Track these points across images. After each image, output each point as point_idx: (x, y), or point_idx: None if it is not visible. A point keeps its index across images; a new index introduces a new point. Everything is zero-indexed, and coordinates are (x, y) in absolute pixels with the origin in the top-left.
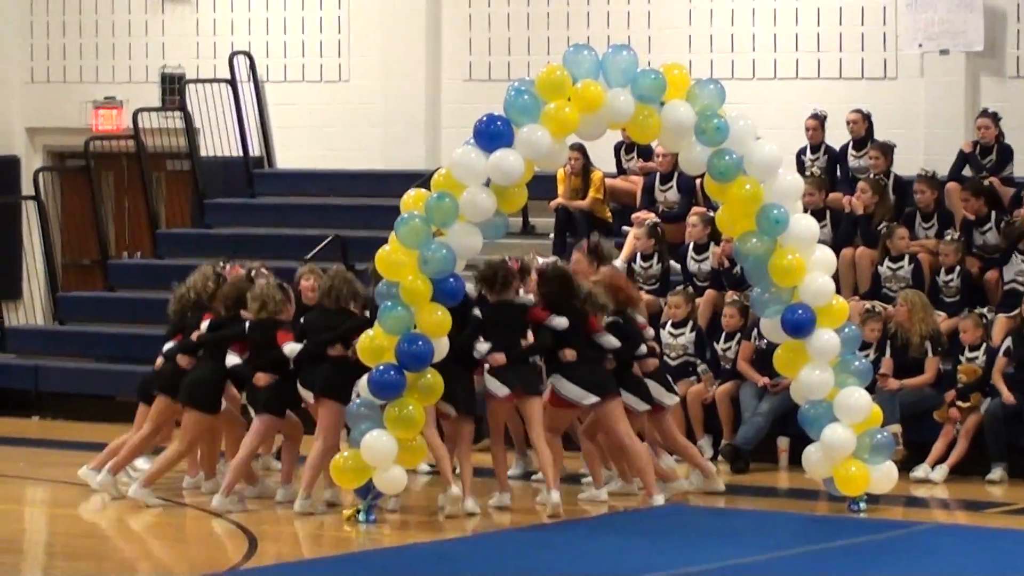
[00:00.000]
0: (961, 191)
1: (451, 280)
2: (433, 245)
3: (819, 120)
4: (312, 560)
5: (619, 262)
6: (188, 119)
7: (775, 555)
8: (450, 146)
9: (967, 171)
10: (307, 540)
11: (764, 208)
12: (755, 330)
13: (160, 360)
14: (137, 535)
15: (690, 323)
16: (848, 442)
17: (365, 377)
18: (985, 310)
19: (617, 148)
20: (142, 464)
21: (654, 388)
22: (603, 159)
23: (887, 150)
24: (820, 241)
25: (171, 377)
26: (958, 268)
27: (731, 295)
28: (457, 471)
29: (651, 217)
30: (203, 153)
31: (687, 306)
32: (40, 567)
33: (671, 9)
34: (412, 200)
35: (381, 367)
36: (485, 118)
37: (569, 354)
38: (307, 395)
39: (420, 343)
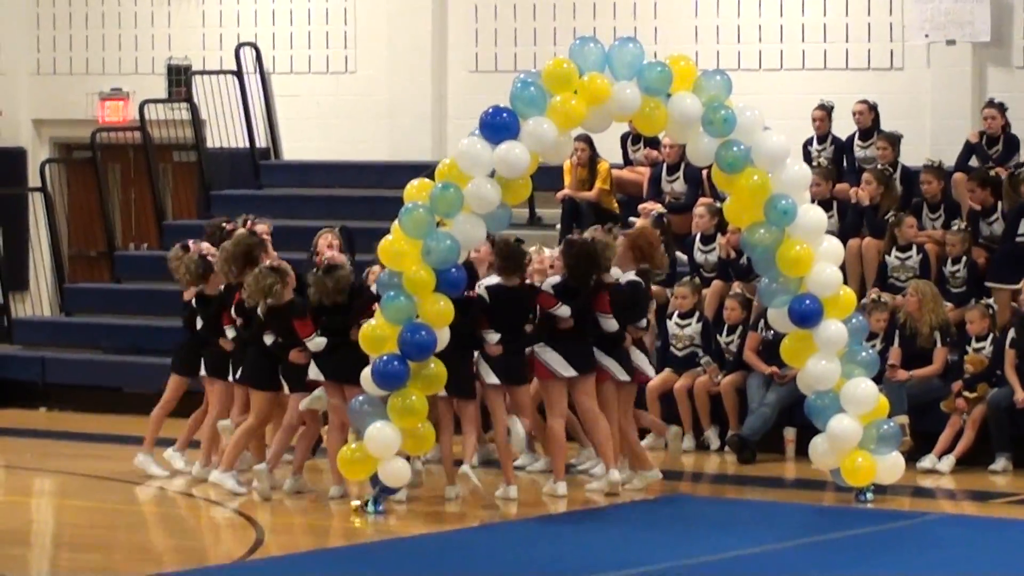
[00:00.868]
0: (968, 181)
1: (454, 270)
2: (437, 235)
3: (826, 111)
4: (320, 551)
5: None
6: (194, 111)
7: (782, 546)
8: (456, 137)
9: (973, 161)
10: (315, 531)
11: (772, 199)
12: (762, 320)
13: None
14: (145, 526)
15: (696, 314)
16: (855, 433)
17: (368, 368)
18: (992, 300)
19: (624, 139)
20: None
21: (637, 357)
22: (609, 150)
23: (894, 140)
24: (827, 232)
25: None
26: (964, 258)
27: (734, 287)
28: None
29: (657, 208)
30: (209, 144)
31: (693, 297)
32: (47, 558)
33: (677, 0)
34: (416, 190)
35: (384, 357)
36: (491, 110)
37: (565, 323)
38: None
39: (423, 333)
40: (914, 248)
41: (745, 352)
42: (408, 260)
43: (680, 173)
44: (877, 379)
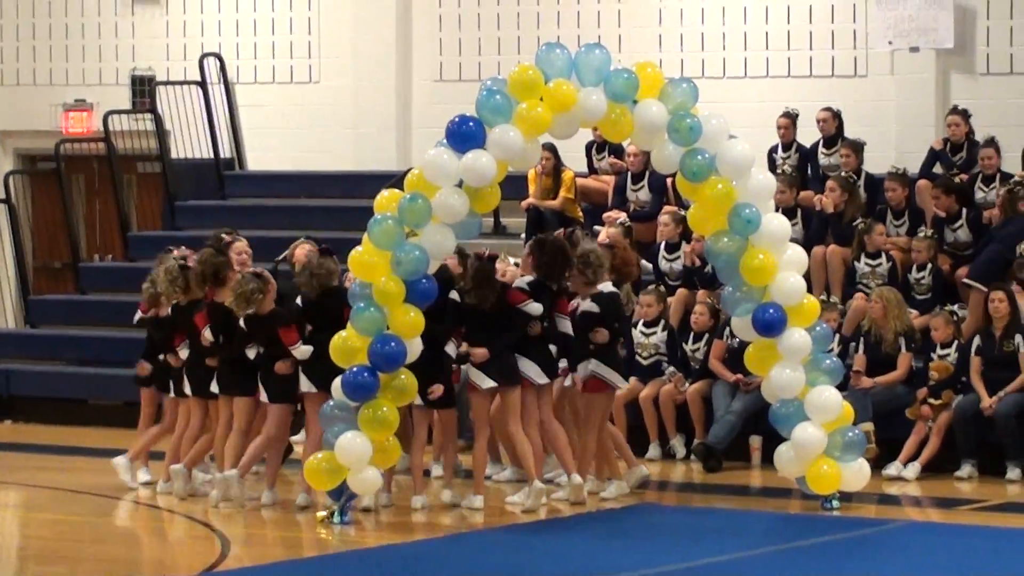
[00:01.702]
0: (932, 188)
1: (424, 281)
2: (406, 246)
3: (790, 118)
4: (286, 562)
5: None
6: (158, 121)
7: (748, 554)
8: (421, 146)
9: (938, 168)
10: (280, 542)
11: (736, 207)
12: (727, 329)
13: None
14: (110, 538)
15: (662, 322)
16: (819, 440)
17: (339, 379)
18: (956, 307)
19: (588, 147)
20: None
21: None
22: (574, 159)
23: (857, 148)
24: (791, 239)
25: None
26: (930, 265)
27: (702, 295)
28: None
29: (622, 216)
30: (174, 155)
31: (659, 305)
32: (13, 571)
33: (641, 8)
34: (385, 201)
35: (354, 368)
36: (457, 119)
37: (533, 327)
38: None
39: (393, 344)
40: (883, 255)
41: (711, 360)
42: (378, 272)
43: (645, 182)
44: (842, 386)
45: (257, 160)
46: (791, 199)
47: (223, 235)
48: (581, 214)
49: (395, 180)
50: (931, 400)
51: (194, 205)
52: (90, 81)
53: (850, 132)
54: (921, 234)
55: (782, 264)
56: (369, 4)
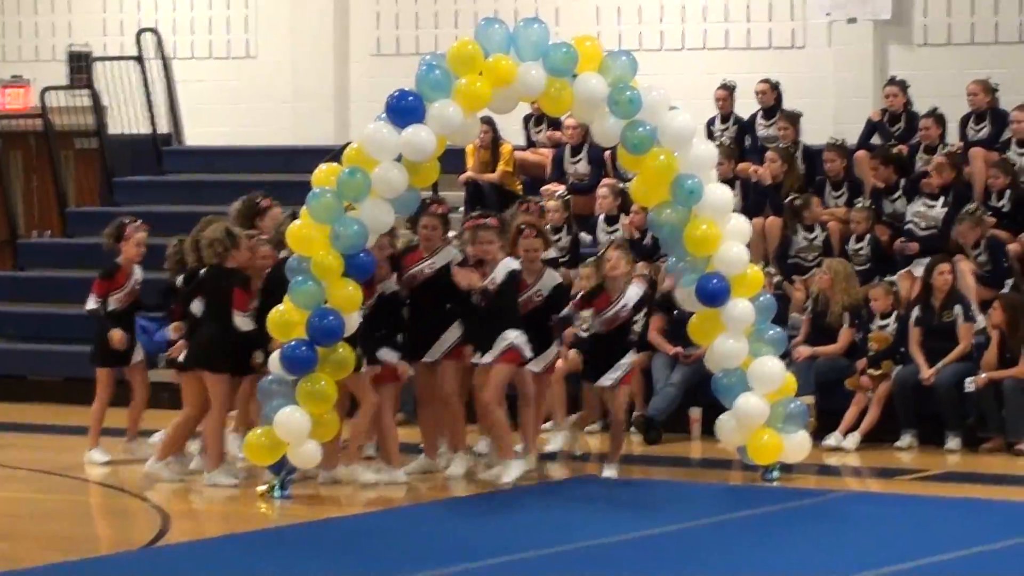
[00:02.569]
0: (870, 159)
1: (362, 255)
2: (345, 220)
3: (728, 90)
4: (225, 537)
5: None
6: (96, 97)
7: (689, 525)
8: (360, 121)
9: (876, 139)
10: (220, 517)
11: (678, 178)
12: (668, 301)
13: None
14: (50, 515)
15: None
16: (761, 411)
17: (276, 353)
18: (895, 278)
19: (526, 120)
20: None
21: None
22: (512, 132)
23: (795, 119)
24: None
25: None
26: (868, 236)
27: (641, 267)
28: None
29: (560, 189)
30: (111, 131)
31: (597, 278)
32: None
33: None
34: (324, 175)
35: (293, 342)
36: (397, 93)
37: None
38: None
39: (331, 318)
40: (818, 227)
41: (650, 333)
42: (316, 245)
43: (583, 154)
44: (784, 357)
45: (195, 135)
46: (729, 171)
47: (257, 199)
48: (520, 187)
49: (333, 154)
50: (871, 371)
51: (132, 181)
52: (27, 57)
53: (788, 103)
54: (859, 205)
55: (725, 234)
56: None
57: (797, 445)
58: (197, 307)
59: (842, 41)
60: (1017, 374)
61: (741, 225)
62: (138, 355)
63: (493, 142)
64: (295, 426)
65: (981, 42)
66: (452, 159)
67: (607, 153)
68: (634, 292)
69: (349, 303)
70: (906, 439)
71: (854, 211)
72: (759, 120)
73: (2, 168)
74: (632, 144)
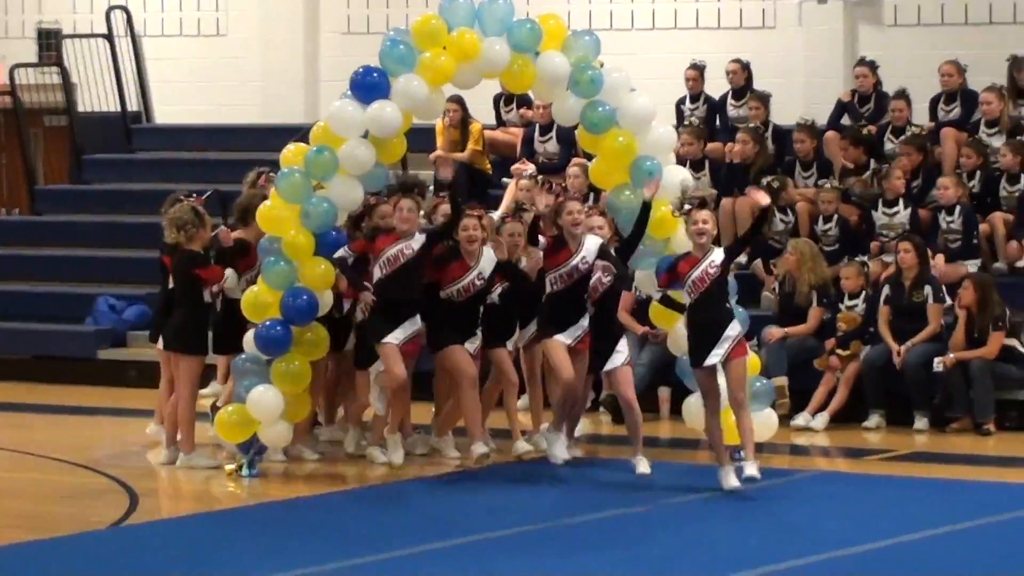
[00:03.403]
0: (840, 140)
1: (333, 233)
2: (314, 199)
3: (698, 70)
4: (193, 516)
5: (498, 214)
6: (65, 75)
7: (656, 505)
8: (329, 100)
9: (846, 120)
10: (189, 496)
11: (637, 160)
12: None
13: None
14: (15, 493)
15: None
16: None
17: (251, 333)
18: (866, 258)
19: (496, 100)
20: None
21: None
22: (482, 111)
23: (765, 99)
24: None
25: None
26: (836, 216)
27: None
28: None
29: (530, 168)
30: (81, 109)
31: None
32: None
33: None
34: (292, 155)
35: (267, 322)
36: (361, 70)
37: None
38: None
39: (304, 297)
40: (787, 209)
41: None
42: (287, 225)
43: (553, 133)
44: (752, 338)
45: (164, 113)
46: (699, 151)
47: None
48: (489, 166)
49: (302, 133)
50: (839, 351)
51: (101, 159)
52: None
53: (759, 84)
54: (828, 185)
55: None
56: None
57: (764, 424)
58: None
59: (812, 21)
60: (985, 355)
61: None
62: None
63: (462, 121)
64: (268, 405)
65: (951, 23)
66: (422, 138)
67: (577, 132)
68: (592, 244)
69: (321, 282)
70: (874, 419)
71: (823, 191)
72: (729, 100)
73: None
74: (591, 123)
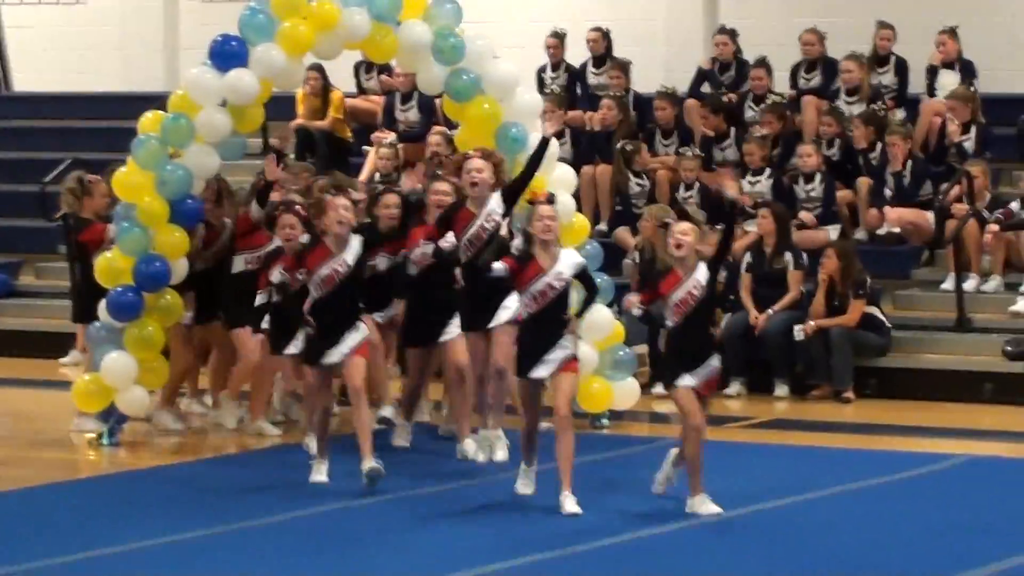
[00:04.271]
0: (700, 108)
1: (189, 201)
2: (169, 167)
3: (559, 38)
4: (49, 484)
5: (359, 182)
6: None
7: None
8: (189, 68)
9: (706, 87)
10: (48, 465)
11: (503, 127)
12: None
13: None
14: None
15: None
16: (591, 359)
17: (104, 300)
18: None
19: (357, 68)
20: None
21: None
22: (343, 79)
23: (625, 67)
24: (560, 159)
25: None
26: (697, 184)
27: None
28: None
29: (391, 136)
30: None
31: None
32: None
33: None
34: (149, 122)
35: (119, 288)
36: (220, 38)
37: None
38: None
39: (158, 264)
40: (645, 175)
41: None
42: (142, 192)
43: (414, 102)
44: (612, 305)
45: (24, 81)
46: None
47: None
48: (350, 135)
49: (161, 102)
50: None
51: None
52: None
53: (620, 52)
54: (688, 153)
55: (551, 183)
56: None
57: (626, 392)
58: None
59: None
60: (845, 322)
61: (566, 174)
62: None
63: (323, 89)
64: (122, 372)
65: None
66: (283, 106)
67: (438, 100)
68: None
69: (176, 249)
70: (735, 387)
71: (684, 159)
72: (590, 68)
73: None
74: (455, 91)
